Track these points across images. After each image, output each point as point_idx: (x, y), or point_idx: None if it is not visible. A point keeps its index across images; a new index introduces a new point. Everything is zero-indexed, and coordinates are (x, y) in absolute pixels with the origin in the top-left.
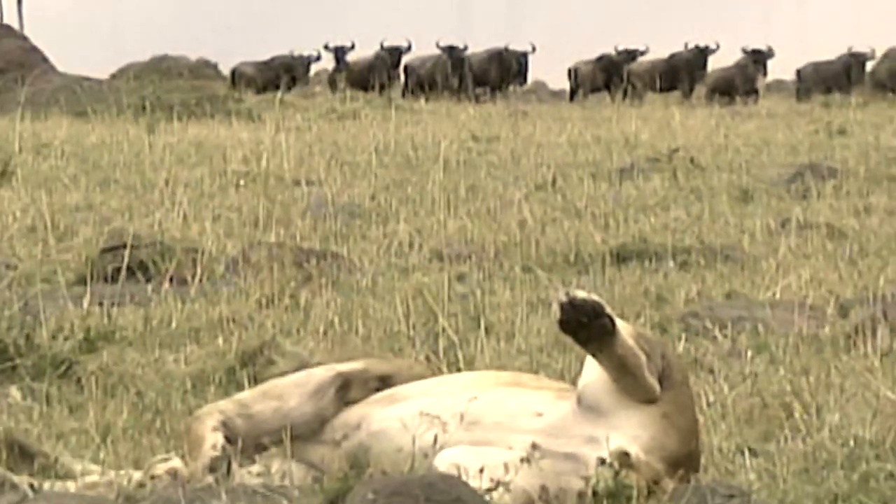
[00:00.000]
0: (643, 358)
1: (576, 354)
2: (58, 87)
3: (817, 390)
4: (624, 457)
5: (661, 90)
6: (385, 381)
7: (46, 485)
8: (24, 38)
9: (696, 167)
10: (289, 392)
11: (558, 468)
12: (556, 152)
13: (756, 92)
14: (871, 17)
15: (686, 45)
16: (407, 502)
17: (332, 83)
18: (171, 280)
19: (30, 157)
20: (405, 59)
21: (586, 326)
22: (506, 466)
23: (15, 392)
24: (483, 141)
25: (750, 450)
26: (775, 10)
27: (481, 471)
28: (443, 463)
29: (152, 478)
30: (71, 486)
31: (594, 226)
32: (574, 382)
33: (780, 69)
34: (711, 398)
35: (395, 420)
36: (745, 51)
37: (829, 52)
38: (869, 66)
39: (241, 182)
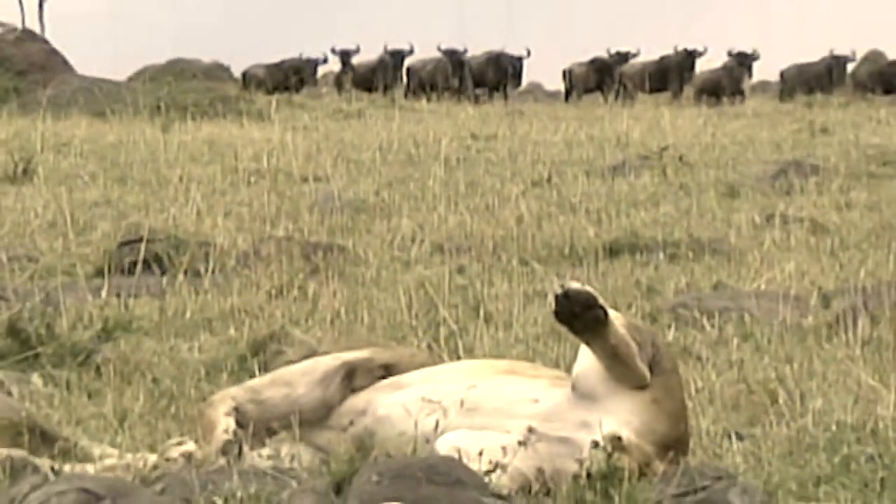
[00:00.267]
0: (634, 346)
1: (570, 343)
2: (77, 89)
3: (801, 377)
4: (616, 440)
5: (652, 91)
6: (389, 369)
7: (67, 467)
8: (46, 42)
9: (684, 164)
10: (297, 379)
11: (554, 451)
12: (551, 150)
13: (742, 92)
14: (852, 21)
15: (675, 48)
16: (410, 484)
17: (339, 84)
18: (185, 272)
19: (51, 155)
20: (407, 62)
21: (580, 317)
22: (503, 449)
23: (36, 379)
24: (482, 139)
25: (736, 434)
26: (760, 15)
27: (480, 454)
28: (444, 446)
29: (167, 460)
30: (90, 468)
31: (588, 220)
32: (569, 370)
33: (765, 71)
34: (699, 384)
35: (399, 406)
36: (731, 54)
37: (812, 54)
38: (849, 67)
39: (252, 179)
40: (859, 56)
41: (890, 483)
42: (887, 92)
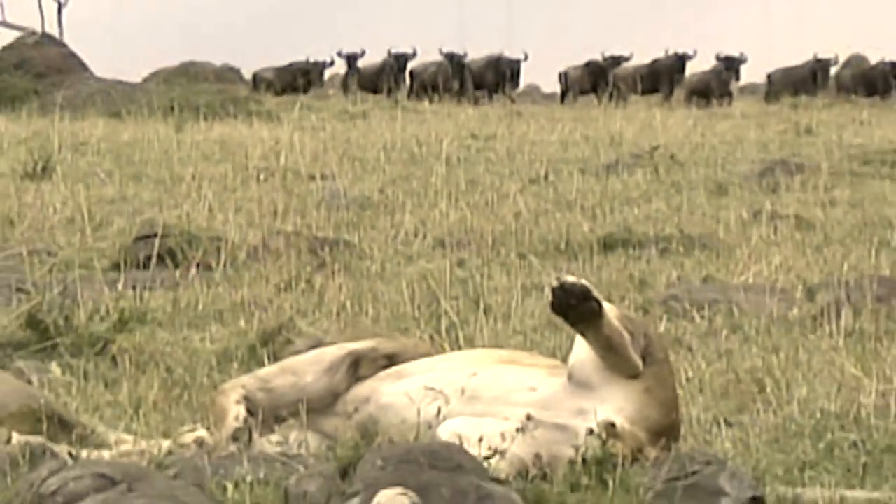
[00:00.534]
0: (628, 337)
1: (566, 334)
2: (94, 90)
3: (787, 367)
4: (610, 427)
5: (644, 93)
6: (393, 359)
7: (84, 453)
8: (64, 46)
9: (675, 163)
10: (305, 369)
11: (551, 438)
12: (548, 149)
13: (730, 94)
14: (835, 26)
15: (666, 52)
16: (412, 469)
17: (345, 86)
18: (197, 266)
19: (69, 154)
20: (411, 65)
21: (576, 308)
22: (502, 436)
23: (55, 368)
24: (481, 139)
25: (725, 421)
26: (747, 20)
27: (480, 440)
28: (445, 433)
29: (180, 446)
30: (106, 454)
31: (583, 216)
32: (565, 360)
33: (752, 74)
34: (690, 374)
35: (402, 394)
36: (719, 57)
37: (797, 58)
38: (833, 70)
39: (262, 176)
40: (842, 60)
41: (872, 468)
42: (869, 94)
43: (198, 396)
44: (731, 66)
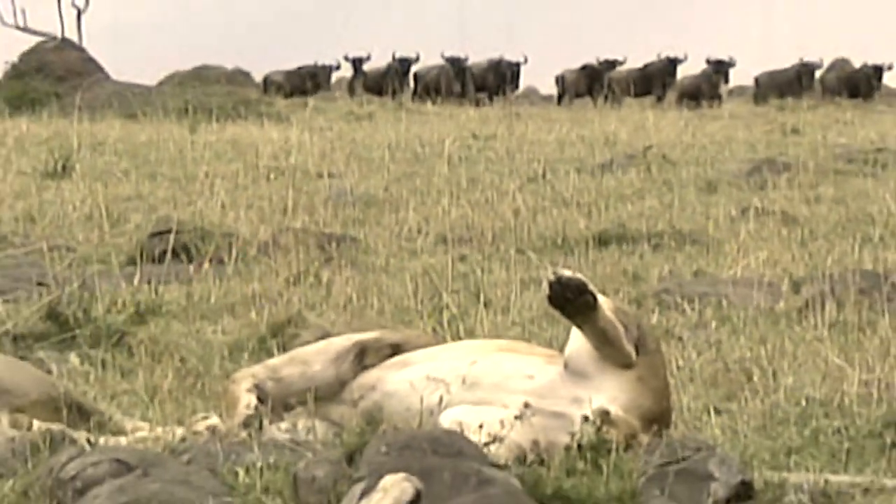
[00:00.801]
0: (621, 329)
1: (563, 326)
2: (111, 93)
3: (773, 357)
4: (605, 415)
5: (637, 95)
6: (397, 349)
7: (101, 439)
8: (83, 50)
9: (667, 162)
10: (313, 358)
11: (547, 424)
12: (545, 149)
13: (719, 97)
14: (820, 31)
15: (658, 56)
16: (415, 455)
17: (351, 89)
18: (210, 261)
19: (88, 153)
20: (414, 69)
21: (572, 301)
22: (501, 423)
23: (74, 358)
24: (482, 139)
25: (714, 409)
26: (736, 26)
27: (480, 427)
28: (446, 420)
29: (194, 433)
30: (123, 440)
31: (579, 213)
32: (561, 350)
33: (741, 77)
34: (681, 363)
35: (406, 383)
36: (709, 61)
37: (783, 61)
38: (818, 74)
39: (272, 175)
40: (827, 63)
41: (855, 453)
42: (852, 96)
43: (210, 385)
44: (720, 69)
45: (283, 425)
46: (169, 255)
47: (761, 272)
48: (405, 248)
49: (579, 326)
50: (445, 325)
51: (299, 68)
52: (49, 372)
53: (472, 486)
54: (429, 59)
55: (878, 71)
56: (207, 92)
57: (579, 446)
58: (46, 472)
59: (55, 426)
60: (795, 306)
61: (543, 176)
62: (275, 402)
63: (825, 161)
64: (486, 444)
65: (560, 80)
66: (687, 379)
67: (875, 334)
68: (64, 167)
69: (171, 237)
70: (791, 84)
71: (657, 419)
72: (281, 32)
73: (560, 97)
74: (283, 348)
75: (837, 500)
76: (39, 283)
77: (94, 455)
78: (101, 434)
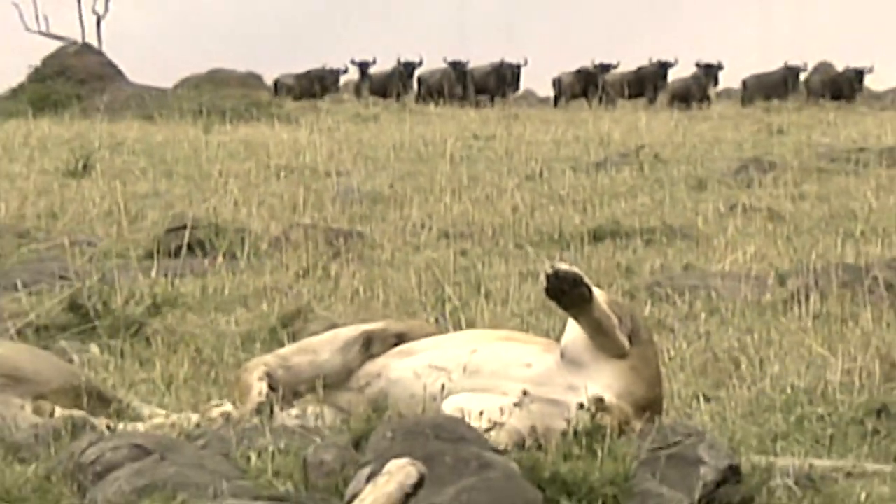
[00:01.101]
0: (615, 320)
1: (559, 317)
2: (130, 96)
3: (760, 346)
4: (599, 402)
5: (630, 97)
6: (401, 338)
7: (120, 426)
8: (102, 55)
9: (659, 161)
10: (321, 347)
11: (545, 411)
12: (542, 149)
13: (708, 98)
14: (805, 36)
15: (650, 60)
16: (419, 440)
17: (358, 92)
18: (223, 255)
19: (107, 153)
20: (418, 72)
21: (568, 294)
22: (501, 410)
23: (94, 348)
24: (482, 139)
25: (704, 396)
26: (724, 32)
27: (481, 414)
28: (449, 407)
29: (208, 420)
30: (140, 426)
31: (574, 210)
32: (558, 340)
33: (729, 79)
34: (672, 353)
35: (410, 371)
36: (699, 65)
37: (770, 65)
38: (802, 76)
39: (282, 173)
40: (811, 67)
41: (838, 439)
42: (836, 98)
43: (224, 374)
44: (709, 72)
45: (293, 412)
46: (185, 249)
47: (748, 266)
48: (409, 242)
49: (575, 318)
50: (448, 315)
51: (308, 72)
52: (70, 361)
53: (472, 469)
54: (431, 62)
55: (859, 74)
56: (221, 94)
57: (575, 432)
58: (68, 456)
59: (76, 413)
60: (781, 298)
61: (540, 174)
62: (285, 389)
63: (809, 160)
64: (487, 430)
65: (557, 83)
66: (677, 368)
67: (857, 325)
68: (85, 166)
69: (187, 233)
70: (777, 86)
71: (649, 406)
72: (291, 38)
73: (556, 99)
74: (293, 338)
75: (821, 484)
76: (61, 277)
77: (113, 440)
78: (120, 420)
